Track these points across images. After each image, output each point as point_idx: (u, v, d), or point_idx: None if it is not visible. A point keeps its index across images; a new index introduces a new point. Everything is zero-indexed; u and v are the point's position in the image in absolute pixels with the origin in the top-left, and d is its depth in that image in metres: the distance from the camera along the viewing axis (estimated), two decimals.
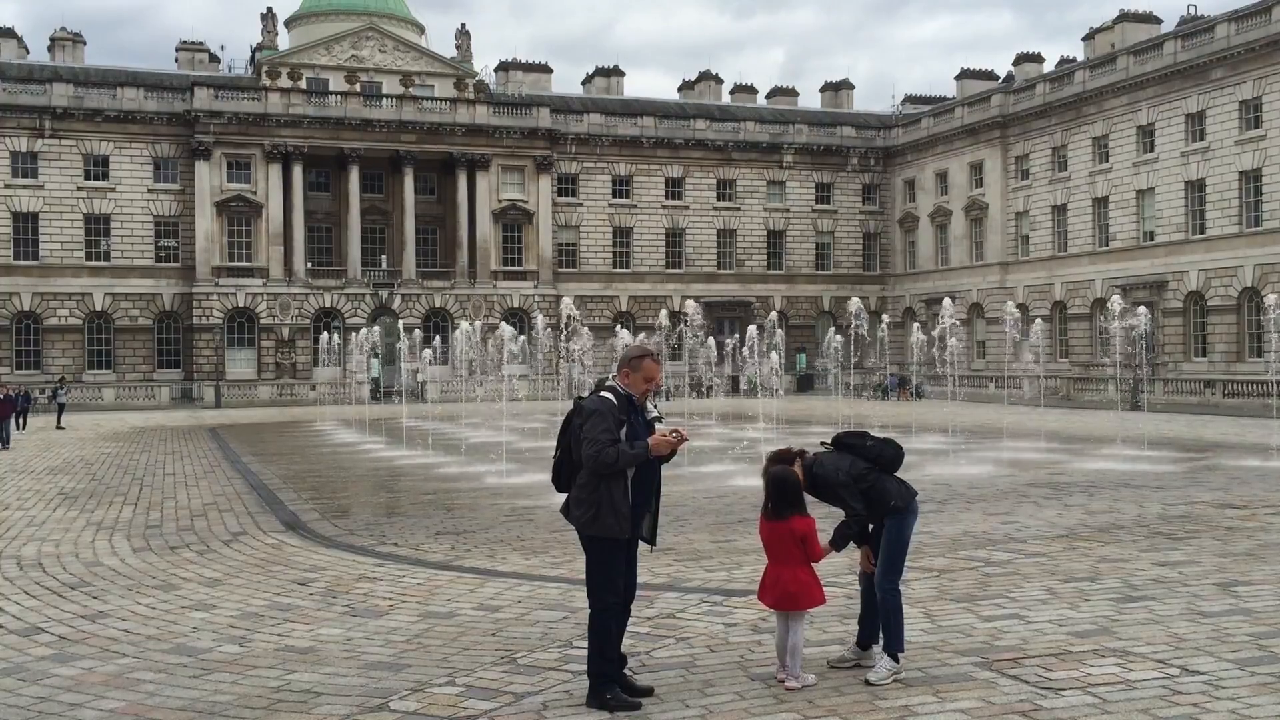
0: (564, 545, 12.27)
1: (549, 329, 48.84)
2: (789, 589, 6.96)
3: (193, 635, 8.74)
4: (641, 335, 55.31)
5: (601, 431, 6.55)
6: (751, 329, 32.55)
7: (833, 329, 47.36)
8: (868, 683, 6.99)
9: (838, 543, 7.31)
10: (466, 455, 24.81)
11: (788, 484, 7.05)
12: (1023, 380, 45.22)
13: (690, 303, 38.13)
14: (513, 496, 17.65)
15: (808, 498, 7.21)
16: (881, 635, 7.28)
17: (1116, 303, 31.78)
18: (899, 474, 7.49)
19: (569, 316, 29.76)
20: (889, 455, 7.39)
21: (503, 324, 38.62)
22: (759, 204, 68.83)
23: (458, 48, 68.10)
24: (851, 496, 7.18)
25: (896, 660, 7.13)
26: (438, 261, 63.47)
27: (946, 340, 29.16)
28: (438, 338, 55.64)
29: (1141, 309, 33.10)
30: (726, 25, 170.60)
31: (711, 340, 50.16)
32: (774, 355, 34.59)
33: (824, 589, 7.22)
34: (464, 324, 47.01)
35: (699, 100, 73.07)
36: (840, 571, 10.41)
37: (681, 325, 46.00)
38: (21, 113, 56.43)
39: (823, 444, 7.60)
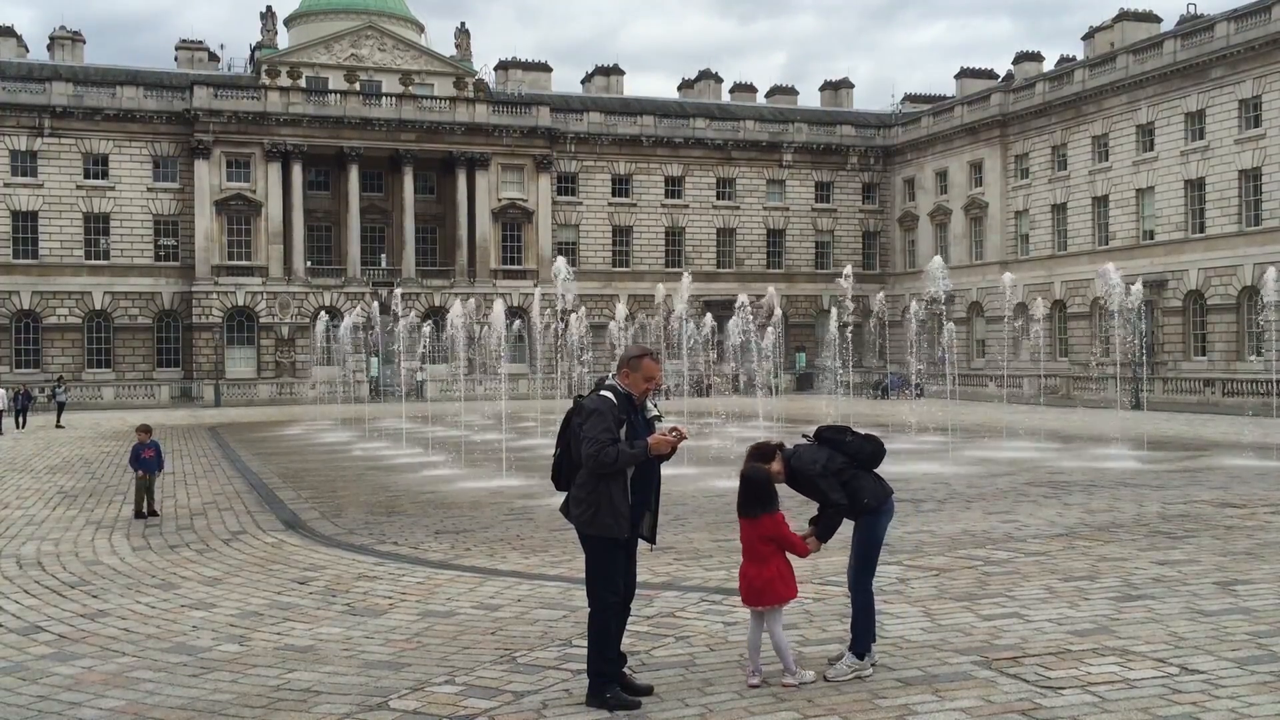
0: (564, 544, 12.27)
1: (548, 327, 48.75)
2: (754, 584, 7.00)
3: (192, 634, 8.75)
4: (634, 329, 55.34)
5: (601, 431, 6.54)
6: (743, 300, 31.66)
7: (836, 309, 47.03)
8: (825, 679, 7.01)
9: (824, 535, 7.29)
10: (465, 454, 24.78)
11: (757, 483, 7.07)
12: (1022, 379, 45.24)
13: (685, 279, 37.93)
14: (512, 496, 17.63)
15: (788, 491, 7.20)
16: (850, 631, 7.28)
17: (1112, 272, 31.41)
18: (877, 473, 7.47)
19: (568, 293, 29.51)
20: (868, 452, 7.38)
21: (498, 300, 37.81)
22: (758, 203, 68.76)
23: (457, 46, 68.06)
24: (830, 488, 7.16)
25: (861, 658, 7.13)
26: (437, 260, 63.45)
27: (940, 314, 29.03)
28: (429, 323, 55.37)
29: (1137, 288, 33.02)
30: (729, 30, 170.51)
31: (709, 315, 50.19)
32: (769, 330, 34.33)
33: (797, 586, 7.16)
34: (457, 303, 46.07)
35: (698, 99, 72.96)
36: (841, 571, 10.41)
37: (679, 306, 45.78)
38: (21, 111, 56.36)
39: (804, 436, 7.60)
